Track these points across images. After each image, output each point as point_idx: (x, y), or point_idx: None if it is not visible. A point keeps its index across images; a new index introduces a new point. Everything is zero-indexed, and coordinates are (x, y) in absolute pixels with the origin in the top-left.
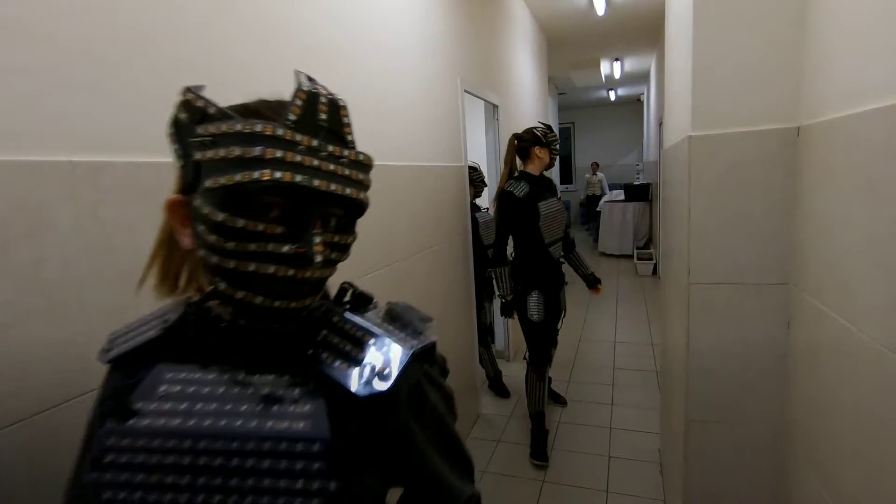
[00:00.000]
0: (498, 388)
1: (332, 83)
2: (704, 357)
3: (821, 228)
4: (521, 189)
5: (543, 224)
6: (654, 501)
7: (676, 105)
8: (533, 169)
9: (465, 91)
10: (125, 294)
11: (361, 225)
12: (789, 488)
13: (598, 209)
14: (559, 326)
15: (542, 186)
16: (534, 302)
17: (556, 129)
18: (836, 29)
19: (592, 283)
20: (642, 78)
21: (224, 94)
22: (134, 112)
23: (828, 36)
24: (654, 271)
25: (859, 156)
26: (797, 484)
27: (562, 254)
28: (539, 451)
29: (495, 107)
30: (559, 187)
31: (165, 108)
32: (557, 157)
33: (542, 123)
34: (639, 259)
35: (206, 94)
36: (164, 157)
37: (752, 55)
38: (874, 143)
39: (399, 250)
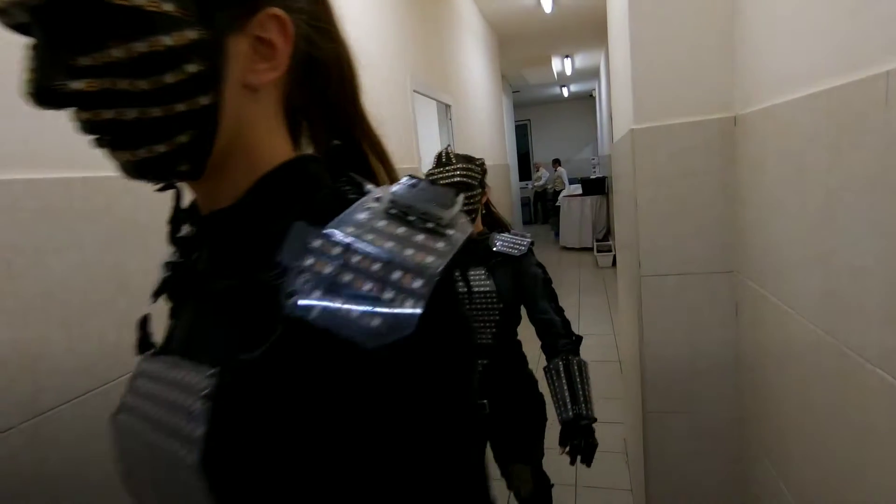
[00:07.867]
0: None
1: None
2: (658, 348)
3: (759, 216)
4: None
5: None
6: (622, 492)
7: (621, 99)
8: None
9: (415, 91)
10: None
11: None
12: (745, 473)
13: (557, 204)
14: None
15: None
16: None
17: (512, 126)
18: (765, 19)
19: (569, 436)
20: (593, 74)
21: None
22: None
23: (758, 26)
24: (614, 263)
25: (790, 143)
26: (752, 468)
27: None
28: None
29: (448, 106)
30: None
31: (14, 115)
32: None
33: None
34: (598, 251)
35: None
36: (30, 173)
37: (686, 48)
38: (803, 130)
39: None
